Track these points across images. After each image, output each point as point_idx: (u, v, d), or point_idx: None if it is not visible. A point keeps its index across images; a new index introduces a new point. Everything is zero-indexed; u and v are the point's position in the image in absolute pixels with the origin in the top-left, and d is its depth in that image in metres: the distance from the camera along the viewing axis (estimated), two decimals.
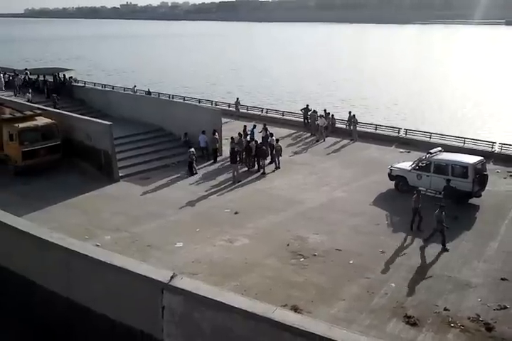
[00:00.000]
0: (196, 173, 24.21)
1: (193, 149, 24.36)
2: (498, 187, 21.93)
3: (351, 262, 15.48)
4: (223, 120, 29.51)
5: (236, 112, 35.93)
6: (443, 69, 73.43)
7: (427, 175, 20.63)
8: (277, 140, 25.61)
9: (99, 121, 24.14)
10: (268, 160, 25.23)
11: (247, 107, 37.83)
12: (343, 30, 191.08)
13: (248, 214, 19.25)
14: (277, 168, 25.10)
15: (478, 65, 79.72)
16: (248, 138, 26.08)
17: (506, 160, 25.47)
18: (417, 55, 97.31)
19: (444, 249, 16.30)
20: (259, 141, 26.12)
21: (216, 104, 39.26)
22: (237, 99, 37.34)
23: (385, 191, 21.83)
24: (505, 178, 23.38)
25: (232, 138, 25.52)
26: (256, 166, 24.85)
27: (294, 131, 32.09)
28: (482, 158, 21.14)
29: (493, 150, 26.83)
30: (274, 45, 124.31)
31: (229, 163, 24.71)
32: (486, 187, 20.71)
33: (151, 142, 27.17)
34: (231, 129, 29.28)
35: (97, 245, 15.86)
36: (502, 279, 14.51)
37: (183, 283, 11.67)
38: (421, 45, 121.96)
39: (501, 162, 25.28)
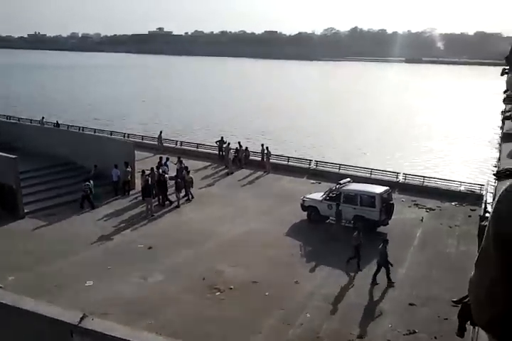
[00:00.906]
0: (94, 208, 23.41)
1: (88, 183, 23.64)
2: (404, 215, 23.09)
3: (267, 294, 15.53)
4: (145, 154, 29.00)
5: (158, 145, 35.29)
6: (348, 104, 76.99)
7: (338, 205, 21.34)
8: (188, 172, 25.56)
9: (3, 154, 22.90)
10: (183, 193, 25.05)
11: (162, 139, 37.60)
12: (255, 64, 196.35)
13: (163, 249, 18.87)
14: (189, 199, 25.01)
15: (379, 98, 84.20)
16: (161, 171, 25.80)
17: (410, 190, 26.93)
18: (323, 89, 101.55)
19: (390, 284, 16.39)
20: (174, 173, 25.98)
21: (129, 136, 38.65)
22: (161, 132, 36.70)
23: (298, 221, 22.30)
24: (409, 207, 24.67)
25: (143, 171, 25.13)
26: (168, 199, 24.55)
27: (208, 164, 32.18)
28: (388, 187, 22.27)
29: (397, 180, 28.33)
30: (187, 78, 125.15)
31: (142, 196, 24.25)
32: (393, 216, 21.75)
33: (59, 176, 26.11)
34: (144, 162, 28.92)
35: (0, 287, 14.83)
36: (410, 304, 15.14)
37: (94, 324, 11.15)
38: (328, 80, 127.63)
39: (405, 191, 26.69)
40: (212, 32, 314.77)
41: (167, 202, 24.46)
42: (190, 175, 25.38)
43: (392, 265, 16.63)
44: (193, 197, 25.04)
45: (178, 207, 24.13)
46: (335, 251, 18.47)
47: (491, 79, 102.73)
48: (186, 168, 26.24)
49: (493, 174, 4.51)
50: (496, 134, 45.94)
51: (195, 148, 35.84)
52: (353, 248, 17.65)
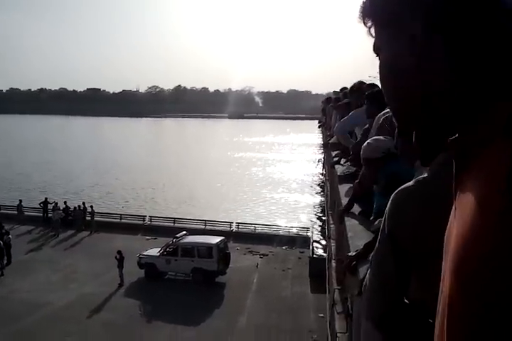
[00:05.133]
0: None
1: None
2: (240, 263, 23.60)
3: None
4: None
5: (20, 215, 31.61)
6: (175, 157, 77.71)
7: (176, 259, 21.16)
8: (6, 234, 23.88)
9: None
10: (5, 260, 22.86)
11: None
12: (79, 122, 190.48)
13: None
14: (8, 263, 23.15)
15: (201, 152, 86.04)
16: None
17: (243, 238, 27.74)
18: (149, 145, 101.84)
19: None
20: None
21: None
22: (20, 200, 32.91)
23: (136, 280, 21.52)
24: (244, 254, 25.35)
25: None
26: None
27: (32, 227, 29.71)
28: (223, 237, 22.80)
29: (231, 229, 29.13)
30: (3, 138, 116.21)
31: None
32: (230, 265, 22.12)
33: None
34: None
35: None
36: None
37: None
38: (156, 136, 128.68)
39: (239, 239, 27.43)
40: (29, 89, 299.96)
41: None
42: (9, 236, 23.86)
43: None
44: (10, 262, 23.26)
45: (2, 275, 21.92)
46: (176, 307, 18.05)
47: (304, 132, 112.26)
48: (8, 232, 24.19)
49: (341, 211, 4.97)
50: (317, 180, 49.99)
51: (15, 212, 32.90)
52: None
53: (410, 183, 1.54)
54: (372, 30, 0.82)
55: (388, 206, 1.53)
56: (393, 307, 1.49)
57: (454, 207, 0.72)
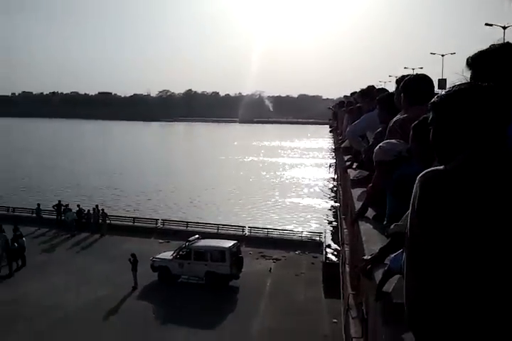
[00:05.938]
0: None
1: None
2: (253, 268, 23.63)
3: None
4: None
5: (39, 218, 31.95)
6: (187, 161, 77.85)
7: (189, 263, 21.29)
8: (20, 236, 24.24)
9: None
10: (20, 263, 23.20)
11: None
12: (90, 126, 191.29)
13: None
14: (23, 265, 23.51)
15: (215, 155, 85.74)
16: None
17: (256, 242, 27.81)
18: (161, 149, 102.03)
19: None
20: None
21: None
22: (38, 204, 33.42)
23: (149, 283, 21.65)
24: (257, 259, 25.39)
25: None
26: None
27: (47, 230, 30.03)
28: (236, 241, 22.89)
29: (244, 233, 29.20)
30: (12, 141, 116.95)
31: None
32: (243, 269, 22.19)
33: None
34: None
35: None
36: None
37: None
38: (167, 140, 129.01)
39: (252, 244, 27.50)
40: (42, 93, 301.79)
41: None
42: (24, 239, 24.24)
43: None
44: (25, 265, 23.58)
45: (10, 276, 22.34)
46: (190, 311, 18.17)
47: (315, 137, 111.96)
48: (21, 235, 24.51)
49: (355, 215, 5.00)
50: (329, 185, 49.90)
51: (29, 214, 33.24)
52: None
53: (440, 167, 1.54)
54: None
55: (416, 186, 1.52)
56: (425, 294, 1.49)
57: None
